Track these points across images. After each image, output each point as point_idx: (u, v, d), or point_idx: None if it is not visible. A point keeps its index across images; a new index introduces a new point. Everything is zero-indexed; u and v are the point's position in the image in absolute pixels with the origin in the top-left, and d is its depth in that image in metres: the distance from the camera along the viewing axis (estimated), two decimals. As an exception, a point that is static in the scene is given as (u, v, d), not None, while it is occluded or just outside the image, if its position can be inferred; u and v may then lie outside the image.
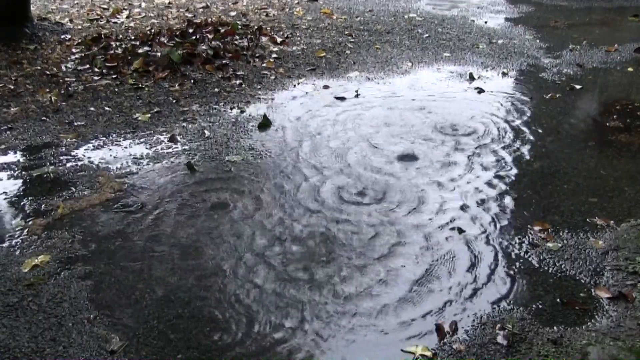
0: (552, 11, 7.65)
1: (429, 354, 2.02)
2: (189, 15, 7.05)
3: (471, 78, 4.92)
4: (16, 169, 3.37)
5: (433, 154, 3.52)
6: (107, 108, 4.25)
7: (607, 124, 4.00)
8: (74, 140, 3.74)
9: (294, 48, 5.83)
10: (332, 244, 2.63)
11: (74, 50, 5.53)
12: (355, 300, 2.29)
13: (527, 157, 3.49)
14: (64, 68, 5.06)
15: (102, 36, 5.91)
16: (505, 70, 5.13)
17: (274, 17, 7.11)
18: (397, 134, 3.80)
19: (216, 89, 4.68)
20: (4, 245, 2.66)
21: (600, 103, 4.47)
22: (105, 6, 7.54)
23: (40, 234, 2.74)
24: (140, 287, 2.37)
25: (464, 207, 2.94)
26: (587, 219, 2.83)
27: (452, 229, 2.75)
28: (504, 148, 3.60)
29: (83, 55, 5.36)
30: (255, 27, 6.34)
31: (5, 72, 4.93)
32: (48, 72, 4.94)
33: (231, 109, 4.29)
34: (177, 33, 5.87)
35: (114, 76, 4.88)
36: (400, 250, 2.59)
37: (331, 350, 2.05)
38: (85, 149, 3.62)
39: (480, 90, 4.63)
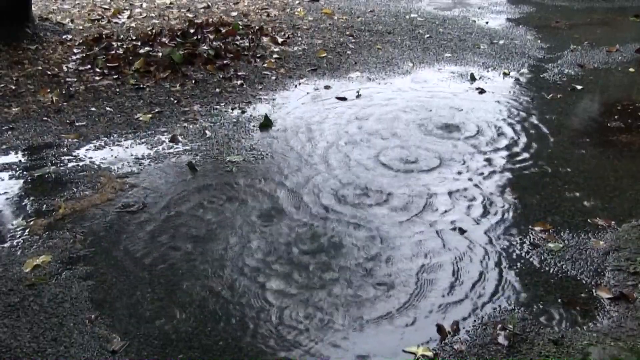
0: (553, 11, 7.65)
1: (430, 354, 2.02)
2: (190, 15, 7.05)
3: (472, 78, 4.92)
4: (17, 169, 3.38)
5: (433, 154, 3.52)
6: (108, 108, 4.26)
7: (608, 125, 4.00)
8: (75, 140, 3.75)
9: (295, 48, 5.83)
10: (333, 245, 2.63)
11: (75, 50, 5.54)
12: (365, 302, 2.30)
13: (528, 157, 3.48)
14: (65, 68, 5.07)
15: (103, 36, 5.92)
16: (506, 71, 5.13)
17: (275, 17, 7.11)
18: (398, 134, 3.80)
19: (217, 89, 4.68)
20: (5, 245, 2.67)
21: (601, 103, 4.47)
22: (106, 6, 7.54)
23: (41, 234, 2.74)
24: (141, 287, 2.38)
25: (464, 207, 2.94)
26: (588, 220, 2.83)
27: (453, 229, 2.75)
28: (504, 148, 3.60)
29: (84, 55, 5.37)
30: (257, 27, 6.34)
31: (7, 72, 4.93)
32: (49, 72, 4.95)
33: (232, 109, 4.29)
34: (179, 33, 5.87)
35: (115, 76, 4.88)
36: (397, 251, 2.59)
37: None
38: (87, 149, 3.62)
39: (482, 91, 4.63)
